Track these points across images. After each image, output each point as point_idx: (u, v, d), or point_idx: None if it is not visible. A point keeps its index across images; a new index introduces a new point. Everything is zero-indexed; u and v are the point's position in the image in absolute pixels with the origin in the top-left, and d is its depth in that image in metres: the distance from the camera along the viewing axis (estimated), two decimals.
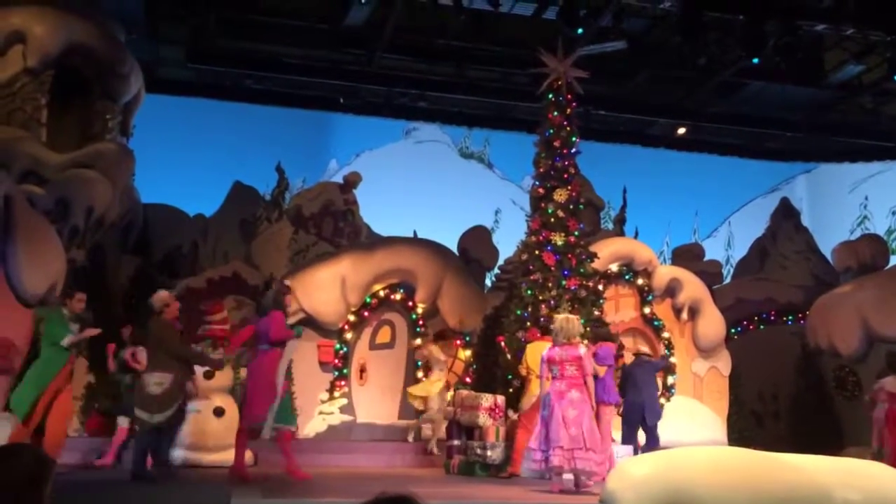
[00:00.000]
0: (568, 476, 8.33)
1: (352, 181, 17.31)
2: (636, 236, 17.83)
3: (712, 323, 14.01)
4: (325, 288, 13.19)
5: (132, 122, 14.05)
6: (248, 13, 14.61)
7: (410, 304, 13.68)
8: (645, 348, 11.61)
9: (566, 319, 8.64)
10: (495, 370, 11.66)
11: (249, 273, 14.26)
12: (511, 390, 10.79)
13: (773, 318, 16.66)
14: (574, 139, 11.93)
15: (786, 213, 18.91)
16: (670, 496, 4.48)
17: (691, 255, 18.44)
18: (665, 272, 14.09)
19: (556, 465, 8.15)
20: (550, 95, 11.95)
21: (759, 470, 4.66)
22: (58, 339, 8.32)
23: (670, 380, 13.39)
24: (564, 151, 11.80)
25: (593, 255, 11.92)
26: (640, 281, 13.70)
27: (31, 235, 9.30)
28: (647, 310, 13.66)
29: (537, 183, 11.95)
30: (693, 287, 14.04)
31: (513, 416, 10.41)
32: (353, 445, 12.15)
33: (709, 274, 16.49)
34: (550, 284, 11.20)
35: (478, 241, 16.69)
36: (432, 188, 22.83)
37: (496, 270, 16.81)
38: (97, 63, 12.64)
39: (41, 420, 8.11)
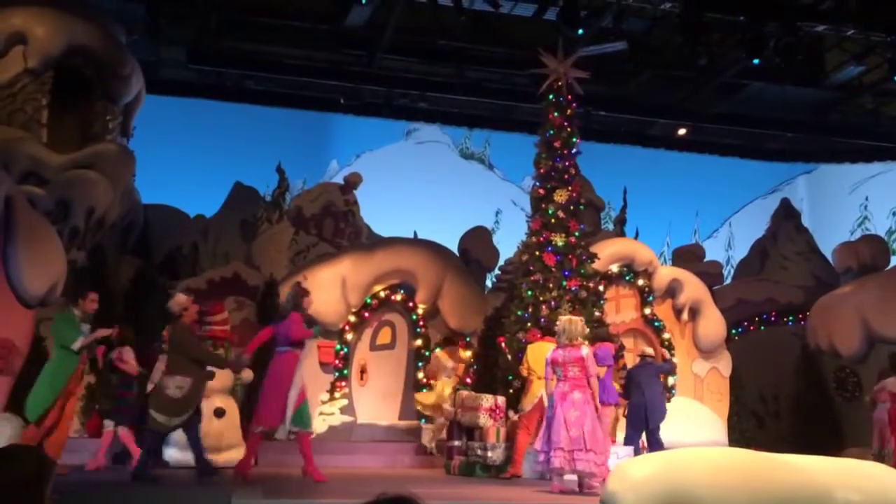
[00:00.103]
0: (571, 477, 8.35)
1: (352, 182, 17.32)
2: (637, 237, 17.82)
3: (713, 324, 14.00)
4: (325, 288, 13.18)
5: (133, 123, 14.05)
6: (249, 14, 14.61)
7: (411, 304, 13.68)
8: (650, 350, 11.58)
9: (569, 321, 8.66)
10: (496, 371, 11.66)
11: (250, 274, 14.26)
12: (511, 391, 10.79)
13: (773, 318, 16.66)
14: (574, 140, 11.93)
15: (786, 214, 18.91)
16: (671, 497, 4.48)
17: (692, 256, 18.45)
18: (665, 273, 14.09)
19: (557, 467, 8.19)
20: (551, 96, 11.96)
21: (760, 471, 4.66)
22: (68, 342, 8.35)
23: (671, 381, 13.37)
24: (565, 152, 11.81)
25: (594, 256, 11.92)
26: (640, 282, 13.69)
27: (32, 236, 9.29)
28: (647, 310, 13.65)
29: (538, 183, 11.96)
30: (693, 288, 14.04)
31: (513, 416, 10.42)
32: (353, 446, 12.16)
33: (709, 275, 16.49)
34: (551, 285, 11.21)
35: (478, 241, 16.70)
36: (433, 189, 22.85)
37: (497, 271, 16.82)
38: (98, 64, 12.64)
39: (54, 422, 8.17)
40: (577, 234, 11.68)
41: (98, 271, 12.96)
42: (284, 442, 11.76)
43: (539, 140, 12.09)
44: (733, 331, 15.36)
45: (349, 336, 13.38)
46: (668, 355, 13.40)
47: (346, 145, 23.44)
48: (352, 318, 13.41)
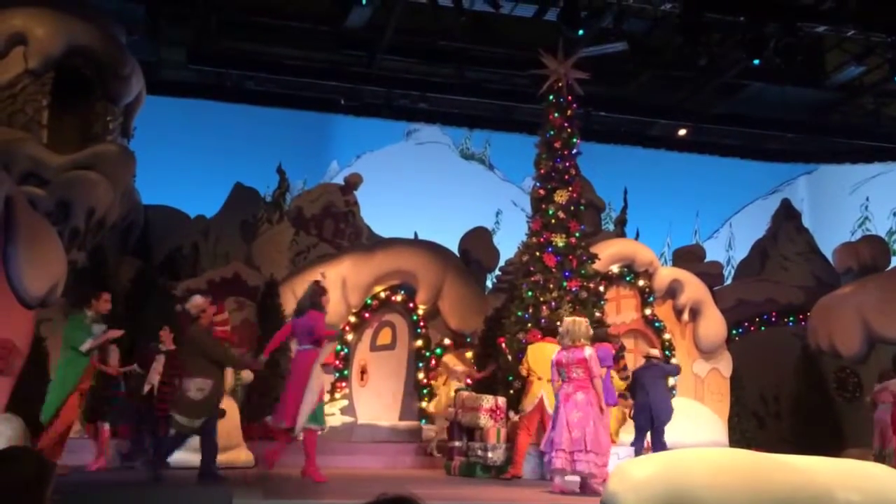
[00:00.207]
0: (573, 477, 8.36)
1: (353, 182, 17.33)
2: (637, 237, 17.83)
3: (713, 324, 14.00)
4: None
5: (133, 124, 14.03)
6: (250, 15, 14.60)
7: (411, 305, 13.68)
8: (654, 351, 11.55)
9: (573, 322, 8.70)
10: (496, 371, 11.66)
11: (250, 274, 14.26)
12: (512, 392, 10.79)
13: (774, 319, 16.66)
14: (575, 140, 11.93)
15: (787, 215, 18.91)
16: (671, 497, 4.48)
17: (692, 257, 18.45)
18: (666, 273, 14.09)
19: (558, 468, 8.23)
20: (551, 97, 11.96)
21: (761, 471, 4.66)
22: (77, 344, 8.41)
23: (671, 381, 13.37)
24: (565, 153, 11.80)
25: (594, 257, 11.92)
26: (641, 282, 13.69)
27: (32, 237, 9.28)
28: (648, 311, 13.65)
29: (538, 184, 11.95)
30: (694, 288, 14.04)
31: (514, 417, 10.41)
32: (354, 446, 12.16)
33: (710, 275, 16.49)
34: (551, 286, 11.20)
35: (478, 242, 16.70)
36: (433, 189, 22.87)
37: (497, 272, 16.82)
38: (98, 64, 12.64)
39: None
40: (577, 234, 11.67)
41: (98, 272, 12.95)
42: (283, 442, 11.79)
43: (539, 141, 12.08)
44: (734, 331, 15.36)
45: (349, 337, 13.39)
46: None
47: (347, 146, 23.44)
48: (352, 319, 13.41)
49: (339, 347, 13.34)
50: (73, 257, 11.49)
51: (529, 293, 11.27)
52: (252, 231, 16.53)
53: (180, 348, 8.69)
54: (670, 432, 10.55)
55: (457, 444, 10.67)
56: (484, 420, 10.29)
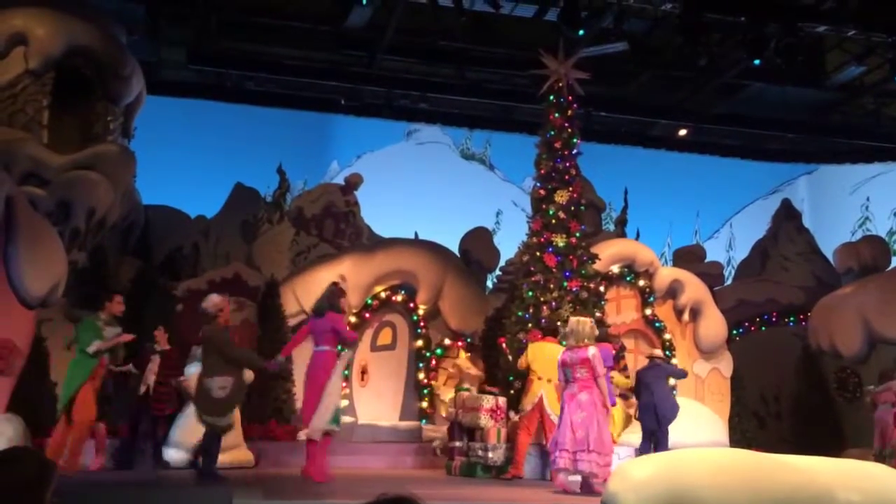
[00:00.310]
0: (575, 478, 8.38)
1: (353, 182, 17.32)
2: (637, 238, 17.83)
3: (714, 324, 13.99)
4: None
5: (133, 124, 14.04)
6: (250, 15, 14.60)
7: (412, 305, 13.67)
8: (657, 351, 11.53)
9: (577, 322, 8.74)
10: (496, 371, 11.66)
11: (250, 274, 14.26)
12: (512, 392, 10.79)
13: (774, 319, 16.65)
14: (575, 140, 11.93)
15: (787, 215, 18.91)
16: (672, 497, 4.48)
17: (693, 257, 18.44)
18: (666, 274, 14.08)
19: (562, 467, 8.27)
20: (551, 97, 11.96)
21: (761, 471, 4.66)
22: (84, 345, 8.47)
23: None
24: (565, 153, 11.80)
25: (594, 257, 11.92)
26: (641, 282, 13.68)
27: (33, 237, 9.29)
28: (648, 311, 13.64)
29: (538, 184, 11.95)
30: (694, 288, 14.03)
31: (514, 417, 10.42)
32: (354, 447, 12.15)
33: (710, 275, 16.48)
34: (552, 286, 11.20)
35: (479, 242, 16.69)
36: (433, 189, 22.85)
37: (497, 272, 16.81)
38: (98, 65, 12.64)
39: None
40: (577, 234, 11.67)
41: (99, 272, 12.96)
42: (284, 442, 11.81)
43: (540, 141, 12.08)
44: (734, 331, 15.34)
45: None
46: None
47: (347, 146, 23.43)
48: (352, 319, 13.39)
49: (339, 347, 13.31)
50: (74, 257, 11.49)
51: (530, 293, 11.27)
52: (252, 231, 16.52)
53: (206, 346, 8.69)
54: (671, 432, 10.53)
55: (457, 444, 10.68)
56: (484, 420, 10.30)
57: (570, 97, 11.96)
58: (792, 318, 16.52)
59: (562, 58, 11.93)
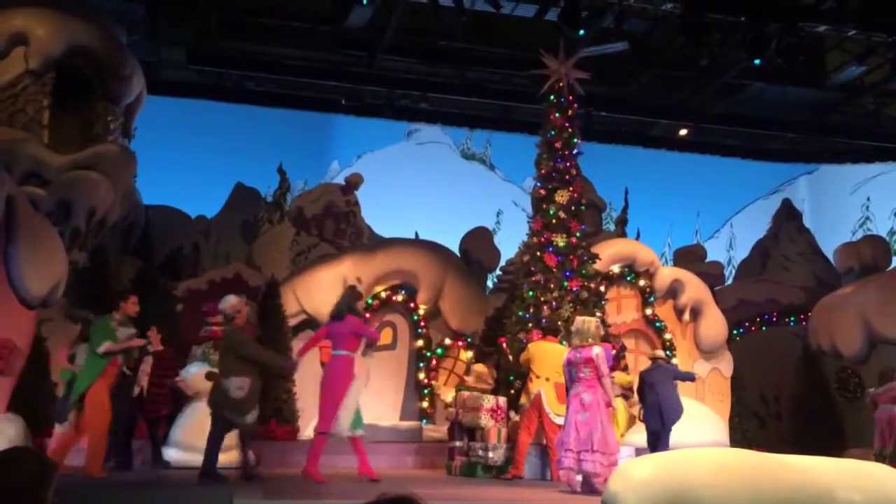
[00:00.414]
0: (580, 477, 8.40)
1: (353, 182, 17.32)
2: (638, 237, 17.83)
3: (714, 324, 13.99)
4: (326, 289, 13.16)
5: (134, 124, 14.05)
6: (250, 15, 14.61)
7: (412, 305, 13.67)
8: (660, 352, 11.51)
9: (583, 321, 8.76)
10: (497, 371, 11.65)
11: (251, 274, 14.26)
12: (513, 391, 10.79)
13: (775, 319, 16.66)
14: (575, 140, 11.92)
15: (788, 215, 18.92)
16: (672, 497, 4.48)
17: (693, 257, 18.45)
18: (667, 273, 14.08)
19: (567, 467, 8.33)
20: (552, 97, 11.95)
21: (761, 471, 4.65)
22: (94, 346, 8.49)
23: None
24: (566, 153, 11.79)
25: (595, 257, 11.91)
26: (641, 282, 13.68)
27: (33, 237, 9.29)
28: (648, 311, 13.64)
29: (539, 184, 11.94)
30: (695, 288, 14.03)
31: (514, 417, 10.41)
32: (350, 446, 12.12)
33: (711, 275, 16.49)
34: (552, 286, 11.20)
35: (479, 242, 16.69)
36: (434, 189, 22.84)
37: (498, 272, 16.82)
38: (99, 65, 12.64)
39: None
40: (578, 234, 11.66)
41: (99, 272, 12.97)
42: (285, 442, 11.81)
43: (540, 141, 12.07)
44: (735, 331, 15.35)
45: None
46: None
47: (347, 146, 23.42)
48: None
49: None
50: (74, 257, 11.50)
51: (530, 293, 11.26)
52: (253, 231, 16.53)
53: (223, 346, 8.73)
54: (671, 432, 10.53)
55: (457, 444, 10.68)
56: (485, 420, 10.30)
57: (570, 97, 11.95)
58: (792, 318, 16.52)
59: (562, 58, 11.93)
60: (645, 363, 11.61)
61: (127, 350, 8.78)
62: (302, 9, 14.66)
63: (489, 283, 16.98)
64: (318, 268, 13.79)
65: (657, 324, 13.61)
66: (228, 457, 10.08)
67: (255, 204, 17.15)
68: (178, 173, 19.01)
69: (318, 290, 13.18)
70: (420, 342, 13.57)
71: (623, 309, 13.59)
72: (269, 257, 15.57)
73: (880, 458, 10.73)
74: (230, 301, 8.74)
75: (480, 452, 10.19)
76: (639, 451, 10.35)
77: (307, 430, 12.48)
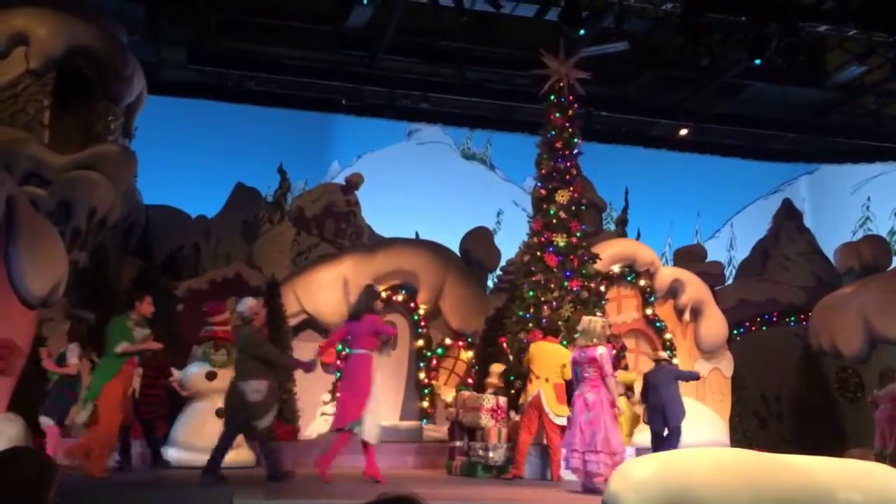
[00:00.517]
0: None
1: (354, 182, 17.32)
2: (638, 237, 17.81)
3: (714, 324, 13.99)
4: (326, 289, 13.19)
5: (134, 124, 14.06)
6: (250, 15, 14.61)
7: (412, 305, 13.67)
8: (664, 353, 11.51)
9: (589, 321, 8.79)
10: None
11: (251, 274, 14.26)
12: (513, 391, 10.79)
13: (775, 319, 16.65)
14: (576, 140, 11.92)
15: (788, 215, 18.91)
16: (672, 497, 4.48)
17: (693, 257, 18.44)
18: (667, 273, 14.08)
19: (573, 467, 8.43)
20: (552, 97, 11.95)
21: (762, 471, 4.65)
22: (111, 346, 8.50)
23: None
24: (566, 153, 11.79)
25: (595, 257, 11.91)
26: (642, 282, 13.68)
27: (34, 237, 9.30)
28: (649, 311, 13.63)
29: (539, 184, 11.94)
30: (695, 288, 14.03)
31: (515, 417, 10.42)
32: (355, 446, 12.11)
33: (711, 275, 16.48)
34: (552, 286, 11.20)
35: (480, 242, 16.69)
36: (434, 189, 22.85)
37: (498, 272, 16.81)
38: (99, 65, 12.65)
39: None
40: (578, 234, 11.67)
41: (100, 272, 12.97)
42: (285, 442, 11.79)
43: (540, 140, 12.07)
44: (735, 331, 15.34)
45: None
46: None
47: (348, 146, 23.43)
48: None
49: (339, 347, 13.32)
50: (75, 257, 11.50)
51: (531, 293, 11.27)
52: (253, 231, 16.53)
53: (241, 349, 8.73)
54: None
55: (458, 443, 10.68)
56: (485, 420, 10.30)
57: (570, 97, 11.95)
58: (793, 318, 16.51)
59: (562, 57, 11.92)
60: (645, 363, 11.62)
61: (142, 351, 8.80)
62: (302, 9, 14.67)
63: (489, 283, 16.98)
64: (318, 268, 13.78)
65: (657, 324, 13.61)
66: (229, 456, 10.09)
67: (256, 204, 17.15)
68: (179, 173, 19.01)
69: (318, 290, 13.19)
70: (420, 342, 13.57)
71: (623, 309, 13.58)
72: (270, 257, 15.56)
73: (881, 458, 10.73)
74: (248, 303, 8.75)
75: (481, 452, 10.19)
76: (639, 452, 10.33)
77: (307, 430, 12.50)
